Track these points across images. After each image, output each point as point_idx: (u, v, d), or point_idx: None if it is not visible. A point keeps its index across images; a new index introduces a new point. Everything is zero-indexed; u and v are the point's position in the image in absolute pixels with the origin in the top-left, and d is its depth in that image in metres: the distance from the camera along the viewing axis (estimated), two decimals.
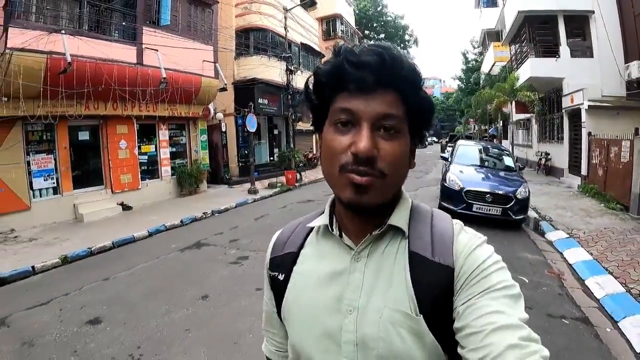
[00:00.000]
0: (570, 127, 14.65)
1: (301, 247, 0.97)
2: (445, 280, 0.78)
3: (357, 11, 39.04)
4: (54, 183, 11.09)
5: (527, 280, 5.68)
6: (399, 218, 0.85)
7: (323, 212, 0.96)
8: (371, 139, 0.75)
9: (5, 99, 9.45)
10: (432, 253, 0.81)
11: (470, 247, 0.80)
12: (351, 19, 32.85)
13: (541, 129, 19.24)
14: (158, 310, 5.15)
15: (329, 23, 28.80)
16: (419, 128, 0.84)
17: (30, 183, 10.58)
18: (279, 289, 0.96)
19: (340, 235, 0.89)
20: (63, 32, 10.07)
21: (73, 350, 4.22)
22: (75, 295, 5.82)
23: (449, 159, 10.95)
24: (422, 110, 0.82)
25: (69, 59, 9.71)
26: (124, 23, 12.39)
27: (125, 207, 12.12)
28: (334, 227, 0.91)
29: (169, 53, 12.56)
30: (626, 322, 4.36)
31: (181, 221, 10.46)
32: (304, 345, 0.87)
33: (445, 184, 9.23)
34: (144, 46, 12.30)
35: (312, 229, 0.98)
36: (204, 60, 14.48)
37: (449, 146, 17.78)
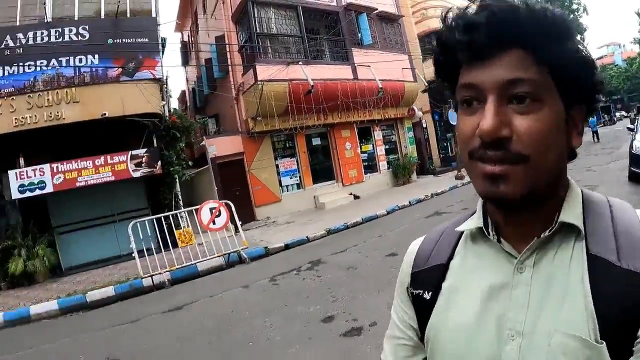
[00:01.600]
0: None
1: (450, 257, 0.79)
2: (636, 294, 0.56)
3: None
4: (297, 180, 14.62)
5: None
6: (571, 213, 0.65)
7: (474, 213, 0.78)
8: (498, 115, 0.59)
9: (259, 118, 12.94)
10: (618, 256, 0.59)
11: None
12: None
13: None
14: None
15: None
16: (579, 92, 0.63)
17: (280, 181, 14.23)
18: (423, 310, 0.78)
19: (499, 240, 0.70)
20: (301, 63, 13.23)
21: (390, 266, 6.30)
22: (364, 245, 8.12)
23: (635, 129, 11.12)
24: (573, 68, 0.61)
25: (311, 82, 12.77)
26: (337, 49, 15.36)
27: (355, 197, 14.84)
28: (489, 229, 0.72)
29: (375, 66, 15.00)
30: None
31: (409, 202, 12.42)
32: None
33: (632, 151, 9.59)
34: (356, 64, 15.01)
35: (462, 233, 0.80)
36: (403, 68, 16.67)
37: (637, 118, 17.07)
